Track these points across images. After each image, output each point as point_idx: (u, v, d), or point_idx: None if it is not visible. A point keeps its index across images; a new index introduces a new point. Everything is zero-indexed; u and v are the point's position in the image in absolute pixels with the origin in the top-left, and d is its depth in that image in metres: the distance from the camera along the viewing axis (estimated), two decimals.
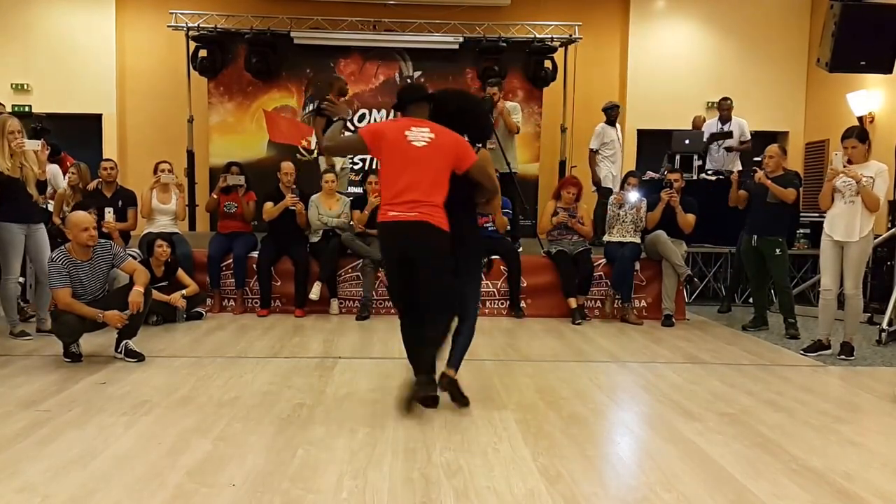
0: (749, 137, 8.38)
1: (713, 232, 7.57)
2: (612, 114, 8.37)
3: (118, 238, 5.97)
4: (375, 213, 6.53)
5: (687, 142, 8.45)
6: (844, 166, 4.98)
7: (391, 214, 3.51)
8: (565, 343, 5.46)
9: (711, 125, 8.55)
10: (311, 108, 7.17)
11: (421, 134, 3.53)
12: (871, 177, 4.93)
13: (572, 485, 2.71)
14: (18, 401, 3.63)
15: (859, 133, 5.07)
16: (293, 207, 6.43)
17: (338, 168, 7.17)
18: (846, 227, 5.01)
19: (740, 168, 8.22)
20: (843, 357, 5.04)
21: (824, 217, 5.24)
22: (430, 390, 3.56)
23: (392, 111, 3.93)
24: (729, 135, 8.29)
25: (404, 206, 3.48)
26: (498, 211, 5.44)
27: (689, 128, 9.09)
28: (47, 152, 5.64)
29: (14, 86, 9.98)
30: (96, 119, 10.19)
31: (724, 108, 8.40)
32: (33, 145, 5.12)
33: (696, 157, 8.34)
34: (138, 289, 4.44)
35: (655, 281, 6.64)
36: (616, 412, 3.75)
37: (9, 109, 9.25)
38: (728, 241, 7.53)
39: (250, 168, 7.47)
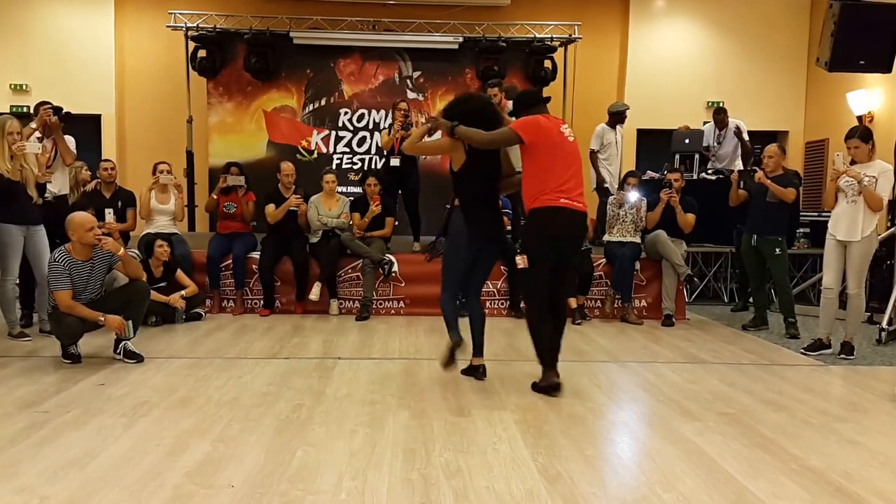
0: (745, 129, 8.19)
1: (713, 232, 7.57)
2: (617, 118, 8.18)
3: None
4: (374, 220, 6.59)
5: (687, 141, 8.44)
6: (847, 166, 4.98)
7: (563, 201, 3.84)
8: (565, 343, 5.38)
9: (709, 132, 8.41)
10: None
11: (568, 130, 3.99)
12: (874, 176, 4.93)
13: (571, 485, 2.71)
14: (17, 402, 3.62)
15: (862, 133, 5.06)
16: (295, 208, 6.43)
17: None
18: (849, 226, 5.01)
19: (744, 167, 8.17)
20: (843, 356, 5.04)
21: (824, 216, 5.24)
22: (557, 378, 3.97)
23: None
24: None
25: (574, 195, 3.88)
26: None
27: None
28: (49, 155, 5.64)
29: (13, 86, 9.95)
30: (95, 119, 10.15)
31: (718, 121, 8.26)
32: (33, 148, 5.12)
33: (697, 156, 8.33)
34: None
35: (655, 281, 6.64)
36: (616, 412, 3.74)
37: (8, 110, 9.29)
38: (728, 241, 7.53)
39: (250, 168, 7.47)
